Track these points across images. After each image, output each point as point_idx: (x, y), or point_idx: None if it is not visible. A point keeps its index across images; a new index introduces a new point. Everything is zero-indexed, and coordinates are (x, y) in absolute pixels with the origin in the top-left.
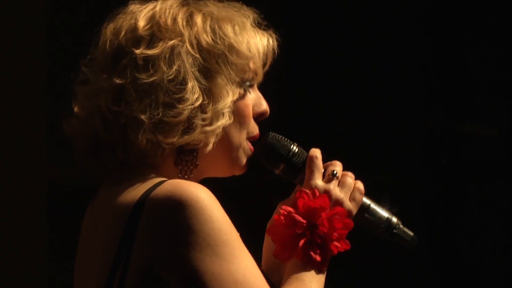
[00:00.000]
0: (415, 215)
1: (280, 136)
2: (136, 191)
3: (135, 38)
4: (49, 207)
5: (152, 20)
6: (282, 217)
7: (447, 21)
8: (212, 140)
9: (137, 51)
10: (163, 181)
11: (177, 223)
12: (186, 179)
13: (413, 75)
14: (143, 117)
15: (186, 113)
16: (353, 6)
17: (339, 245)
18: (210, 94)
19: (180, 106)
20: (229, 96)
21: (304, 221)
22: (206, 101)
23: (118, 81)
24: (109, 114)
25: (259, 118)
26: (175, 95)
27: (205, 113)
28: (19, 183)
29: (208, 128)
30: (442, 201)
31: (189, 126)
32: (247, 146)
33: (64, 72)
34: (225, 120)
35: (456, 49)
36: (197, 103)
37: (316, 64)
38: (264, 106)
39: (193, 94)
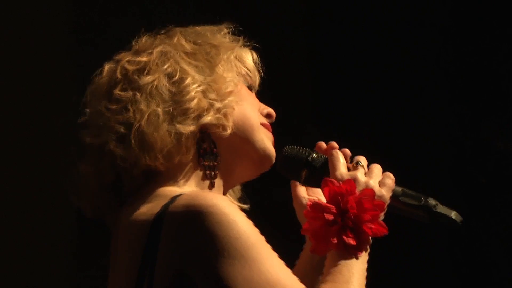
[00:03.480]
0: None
1: (296, 146)
2: (154, 206)
3: (121, 66)
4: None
5: (131, 50)
6: (309, 208)
7: (482, 31)
8: (227, 122)
9: (129, 67)
10: (180, 194)
11: (201, 232)
12: (212, 177)
13: (446, 88)
14: (158, 110)
15: (194, 98)
16: (381, 16)
17: (373, 226)
18: (212, 82)
19: (186, 92)
20: (230, 78)
21: (332, 206)
22: (210, 87)
23: (122, 93)
24: (123, 127)
25: (266, 118)
26: (179, 86)
27: (212, 94)
28: (49, 212)
29: (219, 104)
30: (477, 222)
31: (201, 110)
32: (265, 130)
33: None
34: (233, 97)
35: (492, 60)
36: (202, 87)
37: (341, 74)
38: (269, 108)
39: (195, 82)
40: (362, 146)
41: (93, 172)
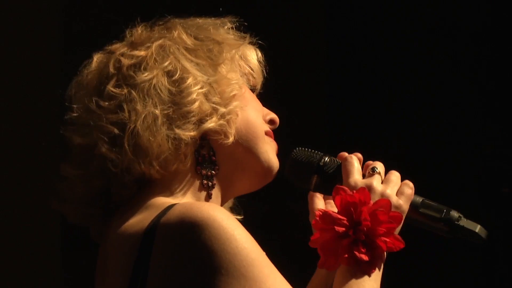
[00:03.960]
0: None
1: (307, 149)
2: (146, 217)
3: (115, 59)
4: (62, 241)
5: (126, 41)
6: (318, 219)
7: (507, 40)
8: (230, 129)
9: (125, 61)
10: (173, 205)
11: (196, 247)
12: (209, 187)
13: (469, 95)
14: (156, 111)
15: (196, 100)
16: (406, 24)
17: (388, 240)
18: (215, 83)
19: (187, 94)
20: (235, 80)
21: (344, 218)
22: (213, 88)
23: (116, 90)
24: (116, 128)
25: (269, 124)
26: (180, 86)
27: (216, 97)
28: (32, 217)
29: (223, 110)
30: (502, 234)
31: (204, 114)
32: (269, 139)
33: None
34: (237, 103)
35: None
36: (205, 89)
37: (364, 84)
38: (273, 114)
39: (197, 83)
40: (380, 152)
41: (79, 175)
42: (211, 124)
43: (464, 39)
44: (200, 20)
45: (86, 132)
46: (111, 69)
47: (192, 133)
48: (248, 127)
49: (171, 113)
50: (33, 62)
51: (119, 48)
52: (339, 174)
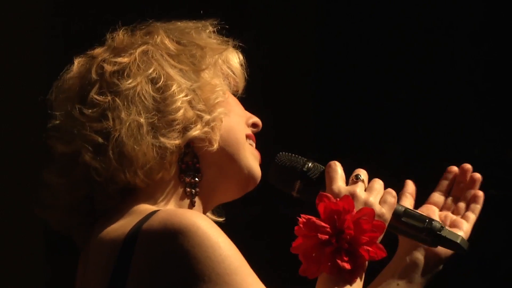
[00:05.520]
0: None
1: (291, 154)
2: (127, 223)
3: (97, 65)
4: (46, 246)
5: (107, 46)
6: (301, 226)
7: (500, 40)
8: (214, 136)
9: (107, 67)
10: (155, 211)
11: (179, 254)
12: (193, 195)
13: (458, 98)
14: (141, 119)
15: (180, 108)
16: (397, 23)
17: (370, 249)
18: (199, 89)
19: (171, 102)
20: (218, 88)
21: (327, 225)
22: (197, 95)
23: (100, 98)
24: (100, 136)
25: (252, 128)
26: (164, 93)
27: (200, 105)
28: (14, 223)
29: (208, 117)
30: (490, 236)
31: (188, 122)
32: (251, 148)
33: None
34: (222, 109)
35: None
36: (189, 97)
37: (353, 86)
38: (255, 117)
39: (181, 91)
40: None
41: (63, 184)
42: (196, 131)
43: (459, 40)
44: (181, 24)
45: (69, 140)
46: (94, 75)
47: (177, 141)
48: (230, 133)
49: (155, 121)
50: (18, 64)
51: (101, 53)
52: (322, 180)
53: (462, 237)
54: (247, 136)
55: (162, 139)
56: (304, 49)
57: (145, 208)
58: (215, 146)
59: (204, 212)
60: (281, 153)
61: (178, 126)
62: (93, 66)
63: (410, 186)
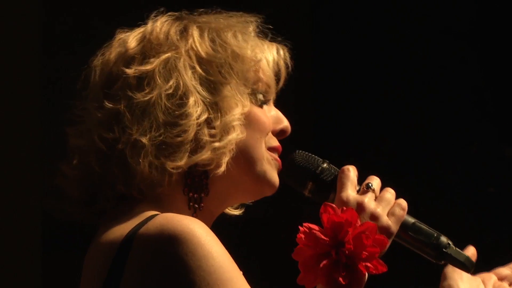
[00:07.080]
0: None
1: (308, 153)
2: (125, 227)
3: (126, 60)
4: (44, 241)
5: (143, 39)
6: (302, 235)
7: (498, 39)
8: (224, 159)
9: (129, 71)
10: (154, 215)
11: (171, 261)
12: (196, 209)
13: (455, 95)
14: (143, 140)
15: (191, 130)
16: (394, 21)
17: (370, 265)
18: (217, 107)
19: (183, 122)
20: (238, 108)
21: (327, 239)
22: (213, 115)
23: (111, 105)
24: (105, 145)
25: (279, 136)
26: (177, 112)
27: (213, 128)
28: (12, 215)
29: (218, 144)
30: (489, 233)
31: (196, 145)
32: (271, 157)
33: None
34: (236, 134)
35: (505, 66)
36: (203, 118)
37: (353, 84)
38: (285, 122)
39: (197, 108)
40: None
41: (75, 176)
42: (202, 156)
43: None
44: (222, 20)
45: (80, 134)
46: (118, 70)
47: (180, 163)
48: (247, 153)
49: (162, 141)
50: (12, 63)
51: (135, 46)
52: (334, 183)
53: (468, 257)
54: (270, 149)
55: (163, 160)
56: (304, 49)
57: (146, 211)
58: (222, 169)
59: (215, 216)
60: (297, 151)
61: (184, 148)
62: (121, 60)
63: None
